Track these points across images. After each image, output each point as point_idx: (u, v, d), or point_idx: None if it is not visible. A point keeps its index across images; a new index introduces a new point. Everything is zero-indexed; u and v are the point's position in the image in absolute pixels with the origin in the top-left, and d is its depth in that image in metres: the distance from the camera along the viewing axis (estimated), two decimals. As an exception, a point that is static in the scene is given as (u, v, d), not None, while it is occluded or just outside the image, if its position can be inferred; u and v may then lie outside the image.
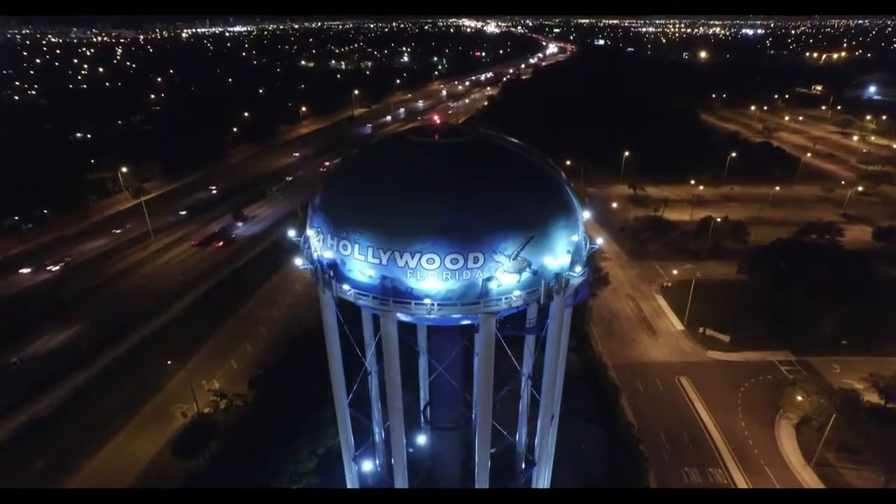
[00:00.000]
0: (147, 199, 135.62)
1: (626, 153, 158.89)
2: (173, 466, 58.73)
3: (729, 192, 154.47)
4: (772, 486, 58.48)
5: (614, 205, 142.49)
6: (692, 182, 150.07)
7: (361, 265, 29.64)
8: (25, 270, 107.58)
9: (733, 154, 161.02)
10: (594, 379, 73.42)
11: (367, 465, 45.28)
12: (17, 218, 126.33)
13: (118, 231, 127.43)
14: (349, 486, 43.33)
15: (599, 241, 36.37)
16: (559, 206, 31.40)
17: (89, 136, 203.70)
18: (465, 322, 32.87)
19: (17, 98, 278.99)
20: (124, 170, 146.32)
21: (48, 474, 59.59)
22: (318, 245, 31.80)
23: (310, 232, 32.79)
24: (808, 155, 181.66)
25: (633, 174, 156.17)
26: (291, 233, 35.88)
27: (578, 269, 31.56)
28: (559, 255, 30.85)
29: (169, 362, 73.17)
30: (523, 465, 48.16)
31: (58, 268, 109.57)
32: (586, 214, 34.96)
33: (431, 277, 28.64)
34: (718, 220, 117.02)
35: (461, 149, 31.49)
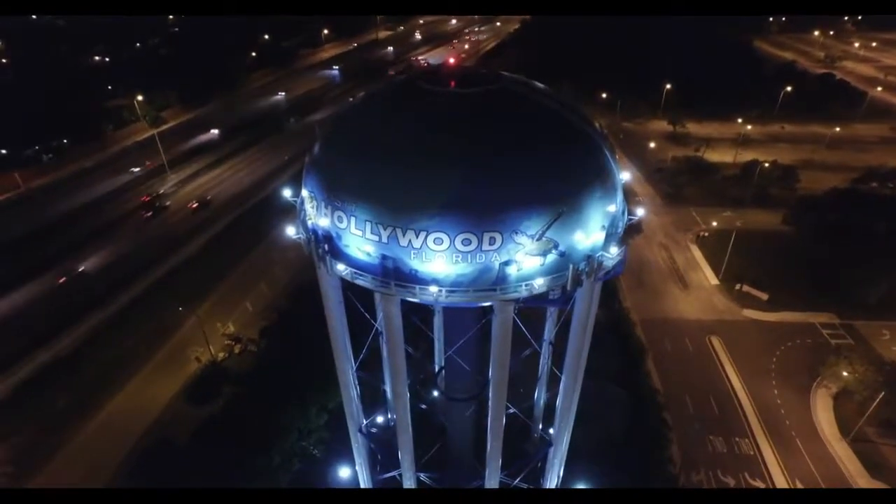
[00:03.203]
0: (162, 131, 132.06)
1: (668, 85, 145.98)
2: (186, 413, 58.88)
3: (779, 131, 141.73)
4: (802, 460, 55.60)
5: (651, 144, 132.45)
6: (739, 120, 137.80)
7: (359, 241, 25.27)
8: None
9: (788, 88, 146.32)
10: (620, 336, 69.78)
11: (379, 419, 43.91)
12: (37, 147, 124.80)
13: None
14: (355, 453, 41.86)
15: (640, 211, 30.94)
16: (594, 173, 25.97)
17: (107, 59, 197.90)
18: (480, 304, 28.91)
19: (34, 17, 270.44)
20: (140, 98, 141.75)
21: (70, 413, 60.66)
22: (313, 212, 27.55)
23: (304, 194, 28.41)
24: (878, 89, 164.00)
25: (673, 109, 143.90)
26: (287, 192, 31.47)
27: (614, 249, 26.71)
28: (592, 232, 25.89)
29: (181, 308, 72.30)
30: (540, 427, 46.12)
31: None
32: (626, 176, 29.52)
33: (439, 259, 24.17)
34: (766, 164, 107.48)
35: (479, 101, 25.81)
